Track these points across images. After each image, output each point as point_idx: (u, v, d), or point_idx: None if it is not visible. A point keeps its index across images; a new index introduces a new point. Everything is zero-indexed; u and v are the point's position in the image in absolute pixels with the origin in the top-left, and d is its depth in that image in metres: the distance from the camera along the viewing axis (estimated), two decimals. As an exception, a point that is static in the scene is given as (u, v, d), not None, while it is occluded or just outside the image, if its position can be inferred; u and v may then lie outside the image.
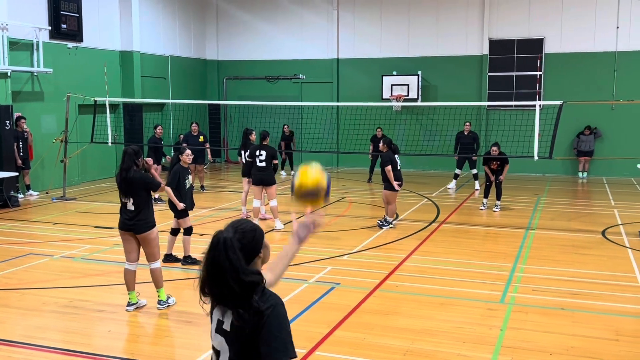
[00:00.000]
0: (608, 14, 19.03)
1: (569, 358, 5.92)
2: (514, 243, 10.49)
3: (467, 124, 16.46)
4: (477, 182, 16.53)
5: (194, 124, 16.51)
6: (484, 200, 13.58)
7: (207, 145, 16.72)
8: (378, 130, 17.93)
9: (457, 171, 16.61)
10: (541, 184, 17.74)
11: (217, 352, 2.80)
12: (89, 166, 17.91)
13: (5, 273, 8.71)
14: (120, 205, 7.14)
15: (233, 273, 2.55)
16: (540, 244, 10.50)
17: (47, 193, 15.62)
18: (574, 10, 19.41)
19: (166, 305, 7.20)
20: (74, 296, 7.70)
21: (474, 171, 16.54)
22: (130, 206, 6.96)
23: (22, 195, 14.99)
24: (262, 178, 11.47)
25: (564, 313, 7.09)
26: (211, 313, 2.81)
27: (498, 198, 13.45)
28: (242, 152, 12.43)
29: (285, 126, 19.81)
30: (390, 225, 11.62)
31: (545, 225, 12.03)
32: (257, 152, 11.52)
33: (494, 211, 13.35)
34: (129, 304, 7.17)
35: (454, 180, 16.65)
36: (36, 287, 8.10)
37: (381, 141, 11.92)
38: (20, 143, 14.84)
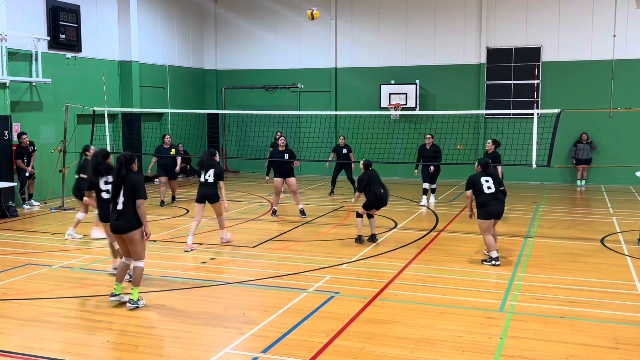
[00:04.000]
0: (605, 23, 19.12)
1: (568, 366, 5.91)
2: (513, 251, 10.47)
3: (429, 136, 15.32)
4: (425, 198, 15.40)
5: (167, 136, 15.69)
6: None
7: (179, 159, 15.72)
8: (341, 138, 17.09)
9: (425, 185, 15.38)
10: (540, 192, 17.75)
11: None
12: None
13: (4, 283, 8.68)
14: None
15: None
16: (539, 252, 10.49)
17: (45, 203, 15.60)
18: (571, 18, 19.50)
19: (135, 306, 7.41)
20: (73, 306, 7.69)
21: (433, 186, 15.47)
22: (120, 206, 7.37)
23: (27, 206, 15.00)
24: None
25: (563, 321, 7.08)
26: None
27: None
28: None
29: (278, 134, 17.26)
30: (493, 262, 9.53)
31: (544, 234, 12.03)
32: None
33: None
34: (112, 295, 7.60)
35: (424, 197, 15.42)
36: (34, 297, 8.07)
37: (477, 161, 10.07)
38: (25, 158, 14.89)
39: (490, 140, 13.38)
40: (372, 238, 11.19)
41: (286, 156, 13.56)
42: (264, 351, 6.20)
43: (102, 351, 6.38)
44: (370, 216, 11.24)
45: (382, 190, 10.90)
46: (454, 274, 9.13)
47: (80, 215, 11.37)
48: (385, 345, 6.39)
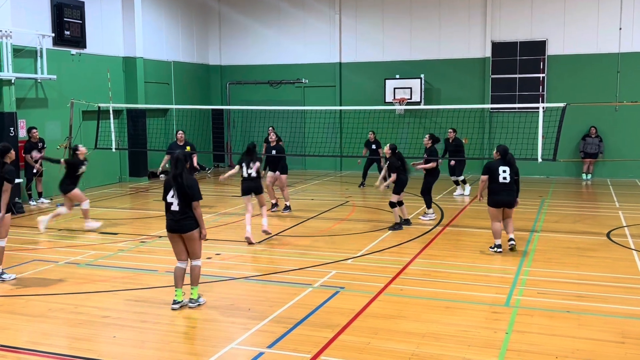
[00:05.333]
0: (611, 16, 19.02)
1: (574, 361, 5.90)
2: (518, 246, 10.43)
3: (451, 130, 15.77)
4: (467, 187, 16.15)
5: (179, 132, 14.96)
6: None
7: (194, 156, 14.92)
8: (370, 134, 17.86)
9: (460, 178, 16.04)
10: (545, 186, 17.71)
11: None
12: (93, 172, 17.89)
13: (11, 279, 8.72)
14: (165, 206, 7.41)
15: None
16: (545, 246, 10.47)
17: (51, 199, 15.65)
18: (577, 12, 19.41)
19: (197, 304, 7.42)
20: (79, 302, 7.71)
21: (461, 177, 16.00)
22: (175, 207, 7.29)
23: (34, 202, 15.09)
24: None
25: (569, 316, 7.07)
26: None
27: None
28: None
29: (270, 129, 17.00)
30: (495, 250, 9.93)
31: (550, 228, 12.00)
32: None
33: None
34: (175, 302, 7.39)
35: (467, 186, 16.14)
36: (41, 293, 8.11)
37: (495, 148, 10.22)
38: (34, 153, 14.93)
39: (427, 135, 13.27)
40: (407, 222, 12.12)
41: (274, 152, 13.87)
42: (270, 346, 6.21)
43: (108, 347, 6.40)
44: (400, 203, 11.96)
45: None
46: (459, 268, 9.12)
47: (63, 209, 12.00)
48: (391, 340, 6.40)
